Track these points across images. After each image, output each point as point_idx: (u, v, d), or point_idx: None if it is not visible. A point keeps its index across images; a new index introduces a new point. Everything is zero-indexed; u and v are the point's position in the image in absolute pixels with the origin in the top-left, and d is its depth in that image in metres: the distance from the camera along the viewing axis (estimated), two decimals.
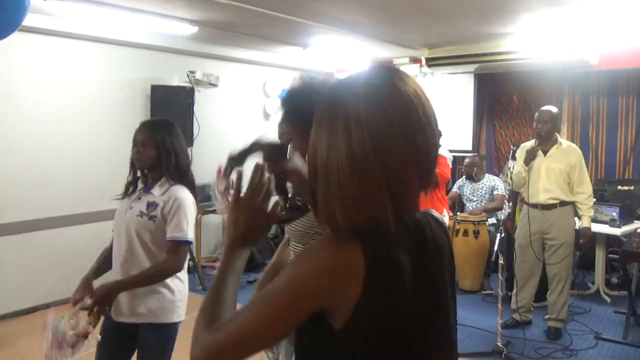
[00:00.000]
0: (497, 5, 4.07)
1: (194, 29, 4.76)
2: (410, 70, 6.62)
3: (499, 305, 3.75)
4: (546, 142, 4.02)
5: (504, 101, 6.81)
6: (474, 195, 5.72)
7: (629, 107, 5.97)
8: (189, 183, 2.35)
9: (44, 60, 4.69)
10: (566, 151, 4.03)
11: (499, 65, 5.86)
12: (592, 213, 4.07)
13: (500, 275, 3.81)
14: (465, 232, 5.22)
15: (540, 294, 4.41)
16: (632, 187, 5.31)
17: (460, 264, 5.32)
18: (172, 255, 2.23)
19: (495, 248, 3.69)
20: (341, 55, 6.22)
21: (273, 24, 4.73)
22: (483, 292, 5.23)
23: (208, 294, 0.99)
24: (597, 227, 4.75)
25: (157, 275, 2.22)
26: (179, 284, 2.33)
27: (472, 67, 6.19)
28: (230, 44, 5.93)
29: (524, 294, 4.21)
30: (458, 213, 5.65)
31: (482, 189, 5.66)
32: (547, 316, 4.21)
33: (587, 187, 4.03)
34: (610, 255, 5.16)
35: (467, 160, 5.81)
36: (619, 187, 5.36)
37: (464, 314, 4.63)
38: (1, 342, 4.00)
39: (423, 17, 4.52)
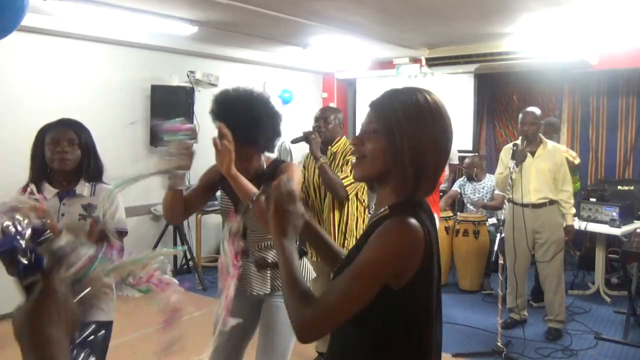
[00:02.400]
0: (497, 5, 4.07)
1: (194, 29, 4.76)
2: (410, 70, 6.64)
3: (499, 305, 3.75)
4: (532, 143, 4.07)
5: (504, 101, 6.82)
6: (474, 195, 5.72)
7: (629, 107, 5.97)
8: (105, 183, 2.33)
9: (43, 60, 4.69)
10: (552, 151, 4.11)
11: (499, 65, 5.87)
12: (574, 211, 4.17)
13: (500, 275, 3.81)
14: (465, 232, 5.22)
15: (541, 294, 4.41)
16: (632, 187, 5.31)
17: (460, 264, 5.32)
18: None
19: (495, 248, 3.68)
20: (341, 55, 6.23)
21: (273, 24, 4.73)
22: (483, 292, 5.23)
23: (288, 281, 1.24)
24: (597, 227, 4.76)
25: None
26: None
27: (472, 67, 6.20)
28: (230, 44, 5.93)
29: (521, 292, 4.24)
30: (458, 213, 5.65)
31: (483, 189, 5.66)
32: (546, 317, 4.21)
33: (569, 186, 4.13)
34: (610, 255, 5.16)
35: (466, 160, 5.81)
36: (619, 187, 5.36)
37: (464, 314, 4.63)
38: (1, 342, 4.00)
39: (423, 17, 4.52)
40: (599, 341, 4.02)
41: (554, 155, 4.09)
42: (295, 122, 7.04)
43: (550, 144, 4.18)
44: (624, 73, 5.81)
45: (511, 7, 4.14)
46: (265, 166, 2.22)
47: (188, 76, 5.64)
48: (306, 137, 3.22)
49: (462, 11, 4.30)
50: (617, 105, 6.03)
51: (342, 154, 3.31)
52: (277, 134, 2.20)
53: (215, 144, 1.97)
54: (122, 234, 2.25)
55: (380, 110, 1.28)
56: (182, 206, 2.14)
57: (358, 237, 2.17)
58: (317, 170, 3.29)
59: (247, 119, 2.07)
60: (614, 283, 5.15)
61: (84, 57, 4.97)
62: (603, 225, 4.73)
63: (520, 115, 4.12)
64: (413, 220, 1.18)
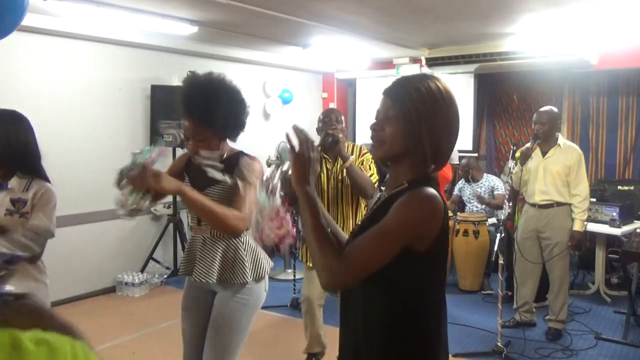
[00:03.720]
0: (497, 5, 4.07)
1: (194, 29, 4.76)
2: (410, 70, 6.63)
3: (499, 305, 3.74)
4: (545, 143, 4.00)
5: (504, 101, 6.81)
6: (473, 197, 5.72)
7: (629, 107, 5.97)
8: (45, 178, 2.29)
9: (44, 60, 4.69)
10: (565, 152, 3.99)
11: (499, 65, 5.86)
12: (585, 217, 4.00)
13: (500, 275, 3.80)
14: (465, 232, 5.22)
15: (541, 294, 4.41)
16: (632, 187, 5.31)
17: (460, 264, 5.32)
18: (39, 243, 2.21)
19: (495, 248, 3.68)
20: (341, 55, 6.23)
21: (273, 24, 4.73)
22: (483, 292, 5.23)
23: (314, 228, 1.34)
24: (597, 227, 4.75)
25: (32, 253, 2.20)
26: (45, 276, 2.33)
27: (472, 67, 6.19)
28: (230, 44, 5.94)
29: (523, 293, 4.21)
30: (458, 213, 5.65)
31: (481, 189, 5.66)
32: (547, 317, 4.21)
33: (582, 190, 3.98)
34: (610, 255, 5.16)
35: (462, 162, 5.81)
36: (619, 187, 5.36)
37: (464, 314, 4.63)
38: None
39: (423, 17, 4.52)
40: (599, 341, 4.02)
41: (566, 157, 3.97)
42: (295, 122, 7.06)
43: (565, 144, 4.05)
44: (624, 73, 5.81)
45: (511, 8, 4.13)
46: (225, 155, 2.22)
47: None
48: (336, 139, 3.15)
49: (462, 11, 4.29)
50: (617, 105, 6.03)
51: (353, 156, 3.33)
52: (239, 123, 2.22)
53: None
54: (39, 236, 2.21)
55: (396, 97, 1.39)
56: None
57: None
58: (328, 173, 3.31)
59: (204, 98, 2.09)
60: (614, 283, 5.15)
61: (84, 57, 4.97)
62: (603, 225, 4.73)
63: (535, 114, 4.04)
64: (433, 190, 1.34)
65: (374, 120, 1.44)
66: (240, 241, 2.22)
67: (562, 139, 4.08)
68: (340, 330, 1.54)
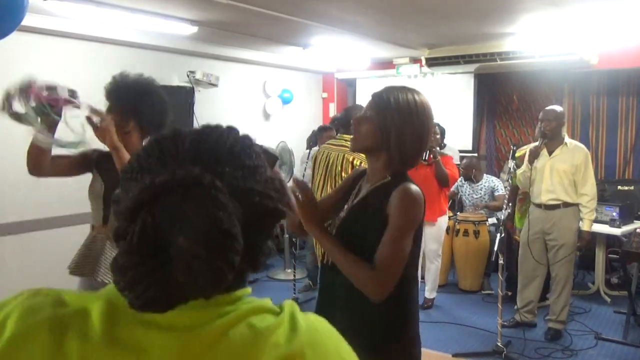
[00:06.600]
0: (497, 5, 4.07)
1: (194, 29, 4.76)
2: (410, 70, 6.64)
3: (499, 305, 3.74)
4: (552, 141, 3.95)
5: (504, 101, 6.81)
6: (472, 196, 5.72)
7: (629, 107, 5.97)
8: None
9: (43, 60, 4.68)
10: (572, 151, 3.95)
11: (499, 65, 5.86)
12: (593, 216, 3.97)
13: (500, 275, 3.80)
14: (465, 232, 5.22)
15: (542, 294, 4.40)
16: (632, 187, 5.31)
17: (460, 264, 5.32)
18: None
19: (495, 248, 3.67)
20: (341, 55, 6.23)
21: (273, 24, 4.72)
22: (483, 292, 5.23)
23: (344, 258, 1.55)
24: (597, 227, 4.73)
25: None
26: None
27: (472, 67, 6.19)
28: (230, 44, 5.93)
29: (527, 294, 4.19)
30: (458, 213, 5.65)
31: (481, 190, 5.66)
32: (547, 317, 4.21)
33: (590, 189, 3.93)
34: (610, 255, 5.16)
35: (465, 162, 5.80)
36: (619, 187, 5.35)
37: (464, 314, 4.63)
38: None
39: (423, 17, 4.52)
40: (599, 341, 4.03)
41: (574, 156, 3.92)
42: (295, 122, 7.06)
43: (572, 143, 4.01)
44: (624, 73, 5.80)
45: (511, 8, 4.13)
46: None
47: (188, 76, 5.64)
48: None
49: (462, 11, 4.29)
50: (617, 105, 6.03)
51: None
52: (164, 122, 2.33)
53: (90, 122, 2.13)
54: None
55: (377, 101, 1.62)
56: (48, 161, 2.34)
57: None
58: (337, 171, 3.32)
59: (131, 88, 2.23)
60: (614, 283, 5.14)
61: (84, 57, 4.97)
62: (603, 225, 4.72)
63: (541, 113, 4.01)
64: (415, 186, 1.59)
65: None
66: None
67: (568, 138, 4.05)
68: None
